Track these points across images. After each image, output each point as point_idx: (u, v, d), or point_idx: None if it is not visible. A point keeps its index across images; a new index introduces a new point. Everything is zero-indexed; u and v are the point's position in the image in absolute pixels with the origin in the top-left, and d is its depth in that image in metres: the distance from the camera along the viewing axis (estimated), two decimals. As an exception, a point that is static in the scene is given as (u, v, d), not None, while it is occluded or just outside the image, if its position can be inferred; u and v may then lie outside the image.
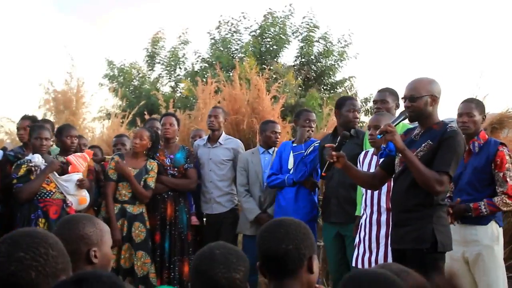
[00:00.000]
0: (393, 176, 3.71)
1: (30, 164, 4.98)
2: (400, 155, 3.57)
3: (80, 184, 5.09)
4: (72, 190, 5.07)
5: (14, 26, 26.77)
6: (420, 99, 3.53)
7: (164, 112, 8.96)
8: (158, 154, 5.70)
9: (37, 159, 5.00)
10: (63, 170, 5.11)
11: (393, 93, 4.96)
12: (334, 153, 3.55)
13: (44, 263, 1.63)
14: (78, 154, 5.23)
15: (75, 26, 26.95)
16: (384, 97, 4.89)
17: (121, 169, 5.39)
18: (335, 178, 5.02)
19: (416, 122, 3.70)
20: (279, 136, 5.89)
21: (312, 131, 5.61)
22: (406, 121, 3.78)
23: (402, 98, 3.63)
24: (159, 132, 5.79)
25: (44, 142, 5.09)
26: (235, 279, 2.13)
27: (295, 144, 5.46)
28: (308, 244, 2.22)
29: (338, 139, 3.67)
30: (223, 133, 6.06)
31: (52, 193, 5.02)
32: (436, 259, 3.45)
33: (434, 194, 3.45)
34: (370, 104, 13.40)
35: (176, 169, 5.71)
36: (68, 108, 10.02)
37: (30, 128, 5.27)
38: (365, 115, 14.29)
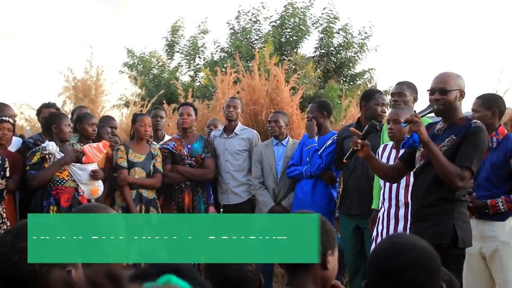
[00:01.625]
0: (415, 170, 3.64)
1: (44, 152, 4.99)
2: (422, 148, 3.51)
3: (93, 175, 5.09)
4: (84, 179, 5.06)
5: (35, 12, 26.98)
6: (450, 93, 3.49)
7: (182, 102, 8.98)
8: (175, 144, 5.70)
9: (51, 146, 5.01)
10: (78, 159, 5.09)
11: (411, 86, 4.92)
12: (359, 140, 3.51)
13: None
14: (94, 145, 5.19)
15: (96, 13, 27.05)
16: (402, 90, 4.86)
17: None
18: (357, 171, 5.00)
19: (440, 117, 3.63)
20: (275, 126, 5.66)
21: (310, 120, 5.50)
22: (430, 115, 3.71)
23: (428, 90, 3.56)
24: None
25: (71, 129, 5.17)
26: (248, 271, 2.11)
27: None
28: (324, 240, 2.15)
29: (366, 127, 3.61)
30: (239, 123, 6.02)
31: (64, 181, 5.03)
32: (456, 254, 3.42)
33: (454, 189, 3.40)
34: (389, 96, 13.26)
35: (193, 158, 5.68)
36: (87, 96, 10.02)
37: (53, 115, 5.26)
38: (384, 107, 14.13)
